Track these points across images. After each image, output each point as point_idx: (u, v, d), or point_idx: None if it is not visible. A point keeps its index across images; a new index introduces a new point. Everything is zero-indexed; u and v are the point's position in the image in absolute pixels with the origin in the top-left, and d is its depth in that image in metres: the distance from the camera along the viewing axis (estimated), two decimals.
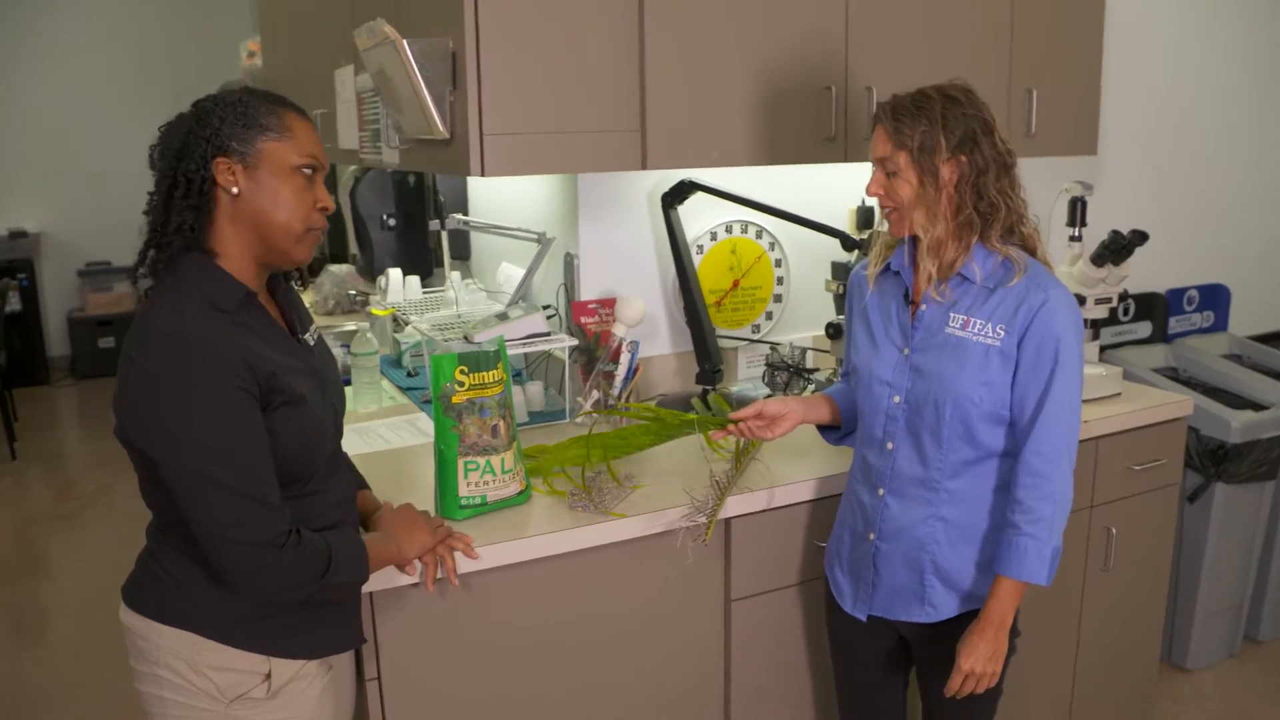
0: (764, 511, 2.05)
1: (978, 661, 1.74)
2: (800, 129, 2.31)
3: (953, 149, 1.67)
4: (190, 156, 1.41)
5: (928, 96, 1.70)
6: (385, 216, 3.57)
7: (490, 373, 1.86)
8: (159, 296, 1.43)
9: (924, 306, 1.78)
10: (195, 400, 1.35)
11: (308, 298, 3.72)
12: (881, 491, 1.85)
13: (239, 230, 1.45)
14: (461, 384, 1.83)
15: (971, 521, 1.80)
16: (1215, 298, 3.64)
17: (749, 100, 2.24)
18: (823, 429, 2.06)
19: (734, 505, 1.99)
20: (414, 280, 3.23)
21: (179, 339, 1.36)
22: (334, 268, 3.97)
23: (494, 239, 3.07)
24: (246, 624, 1.49)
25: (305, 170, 1.46)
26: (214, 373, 1.36)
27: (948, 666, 1.87)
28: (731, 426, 1.95)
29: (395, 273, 3.25)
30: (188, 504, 1.38)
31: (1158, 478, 2.58)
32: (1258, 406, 3.12)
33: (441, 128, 2.03)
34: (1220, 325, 3.66)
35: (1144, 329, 3.45)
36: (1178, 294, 3.55)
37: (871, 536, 1.86)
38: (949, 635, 1.82)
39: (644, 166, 2.16)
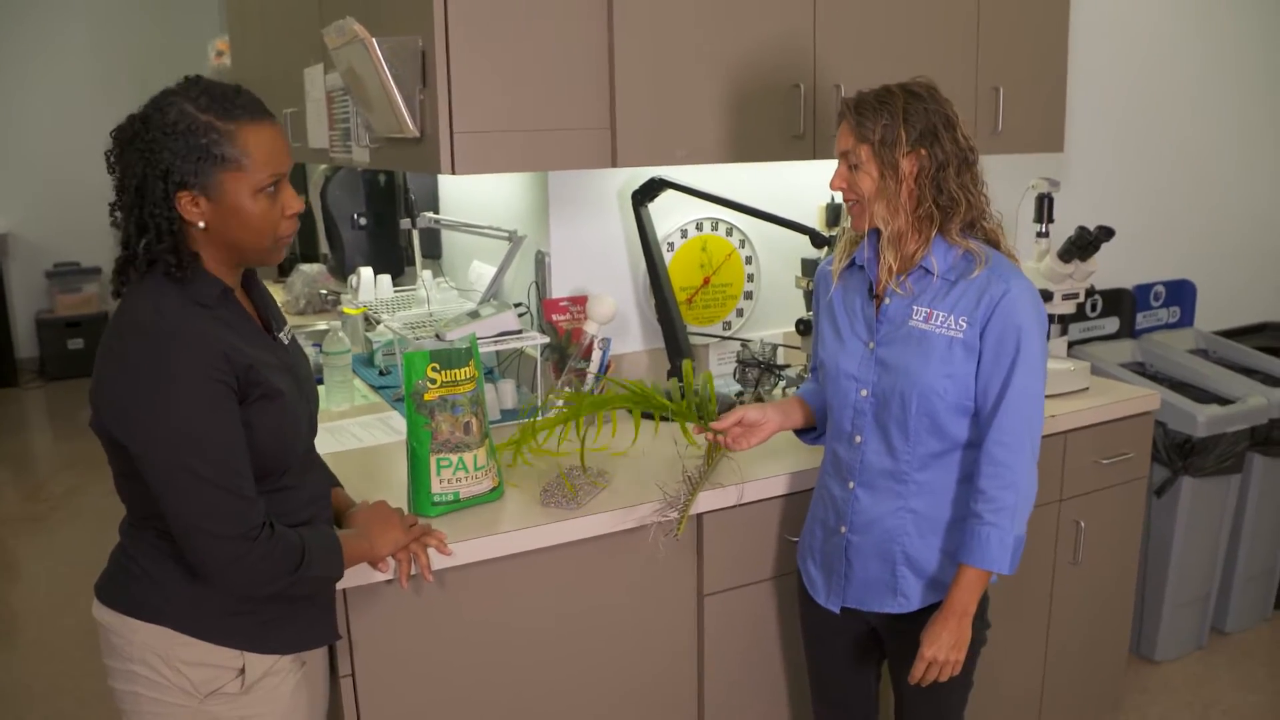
0: (736, 507, 2.06)
1: (940, 649, 1.75)
2: (769, 127, 2.32)
3: (913, 142, 1.69)
4: (151, 198, 1.39)
5: (890, 92, 1.72)
6: (356, 215, 3.55)
7: (462, 370, 1.86)
8: (139, 290, 1.43)
9: (888, 300, 1.80)
10: (173, 391, 1.35)
11: (279, 296, 3.70)
12: (852, 485, 1.86)
13: (213, 244, 1.45)
14: (434, 381, 1.83)
15: (940, 512, 1.82)
16: (1182, 293, 3.69)
17: (718, 98, 2.25)
18: (798, 432, 2.07)
19: (706, 500, 2.00)
20: (385, 279, 3.22)
21: (158, 331, 1.37)
22: (305, 267, 3.95)
23: (465, 237, 3.07)
24: (221, 619, 1.49)
25: (269, 190, 1.44)
26: (192, 364, 1.36)
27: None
28: (710, 435, 1.97)
29: (366, 272, 3.24)
30: (163, 494, 1.38)
31: (1125, 471, 2.61)
32: (1224, 401, 3.16)
33: (412, 126, 2.03)
34: (1187, 321, 3.70)
35: (1111, 324, 3.49)
36: (1145, 290, 3.60)
37: (843, 529, 1.88)
38: (920, 625, 1.84)
39: (614, 164, 2.17)
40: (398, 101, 1.99)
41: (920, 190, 1.72)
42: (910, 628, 1.86)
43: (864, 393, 1.83)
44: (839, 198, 2.78)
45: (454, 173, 2.01)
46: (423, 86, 2.01)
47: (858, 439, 1.84)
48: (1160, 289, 3.63)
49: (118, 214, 1.44)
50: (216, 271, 1.47)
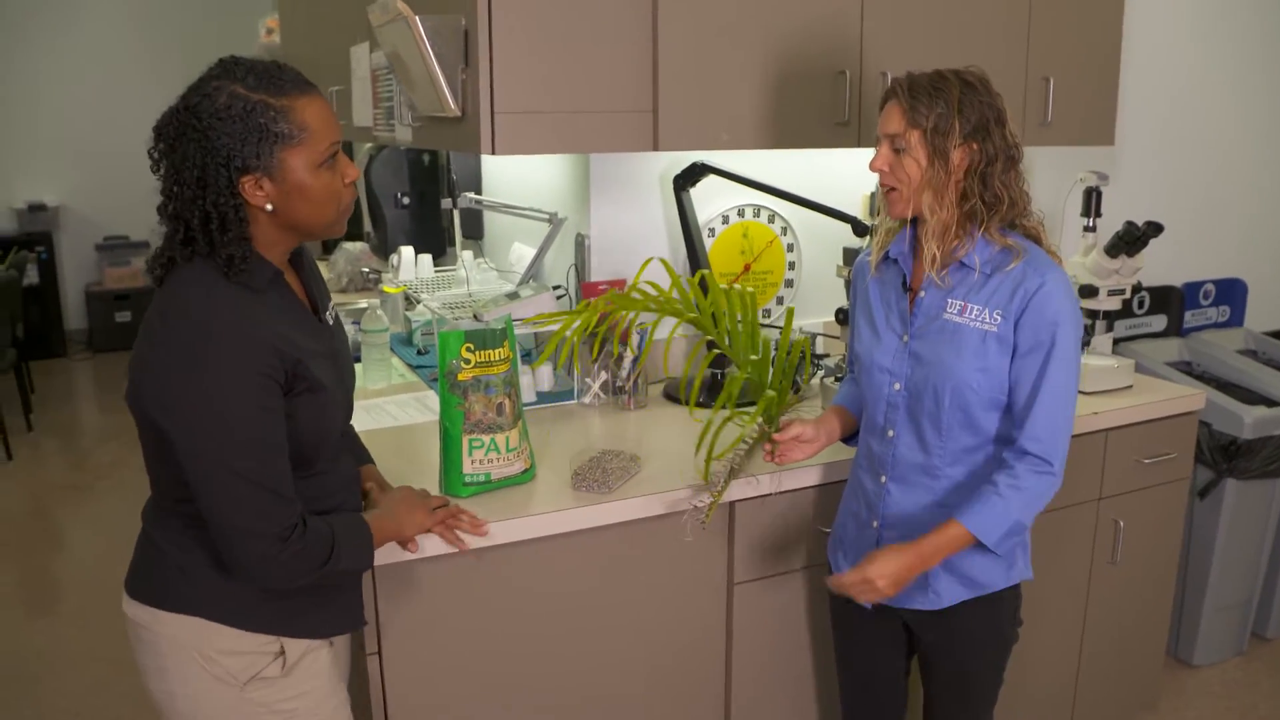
0: (768, 496, 2.04)
1: (879, 575, 1.68)
2: (813, 113, 2.29)
3: (965, 135, 1.66)
4: (215, 187, 1.35)
5: (945, 79, 1.68)
6: (399, 194, 3.57)
7: (497, 350, 1.86)
8: (184, 277, 1.39)
9: (923, 293, 1.77)
10: (220, 384, 1.33)
11: (324, 273, 3.73)
12: (884, 478, 1.84)
13: (274, 226, 1.43)
14: (468, 361, 1.84)
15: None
16: (1232, 292, 3.61)
17: (762, 83, 2.23)
18: (845, 439, 2.04)
19: (737, 489, 1.99)
20: (426, 259, 3.23)
21: (208, 318, 1.34)
22: (348, 245, 3.98)
23: (507, 218, 3.07)
24: (253, 605, 1.48)
25: (329, 161, 1.41)
26: (241, 357, 1.34)
27: (952, 654, 1.88)
28: (767, 444, 1.90)
29: (408, 251, 3.25)
30: (201, 488, 1.36)
31: (1168, 472, 2.57)
32: (1271, 402, 3.09)
33: (453, 105, 2.03)
34: (1236, 320, 3.62)
35: (1159, 322, 3.43)
36: (1194, 287, 3.52)
37: (875, 524, 1.86)
38: (953, 622, 1.82)
39: (655, 148, 2.15)
40: (439, 80, 1.99)
41: (967, 184, 1.69)
42: (943, 624, 1.84)
43: (897, 386, 1.81)
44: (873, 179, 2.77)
45: (494, 153, 2.00)
46: (465, 65, 2.00)
47: (890, 433, 1.82)
48: (1210, 287, 3.56)
49: (172, 206, 1.38)
50: (268, 254, 1.44)
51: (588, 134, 2.09)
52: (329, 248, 4.33)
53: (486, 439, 1.86)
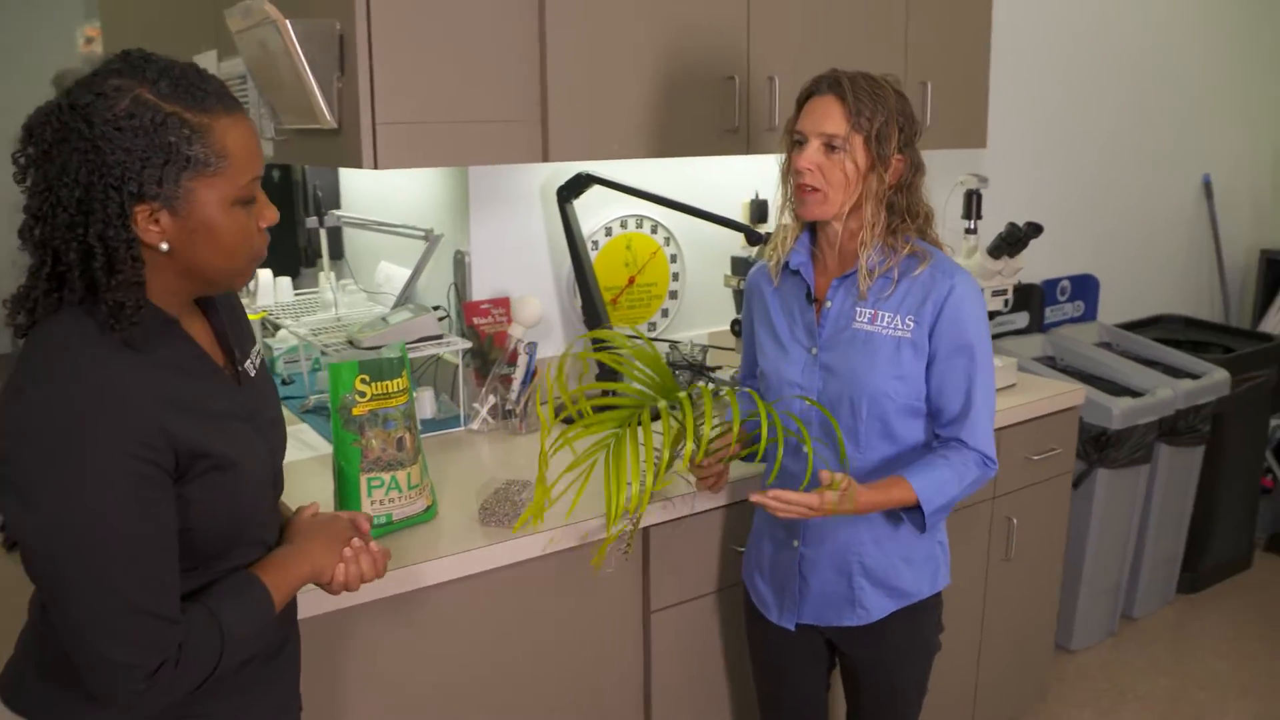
0: (681, 519, 1.96)
1: (826, 505, 1.59)
2: (703, 119, 2.23)
3: (900, 145, 1.63)
4: (102, 215, 1.07)
5: (881, 85, 1.64)
6: None
7: (394, 381, 1.72)
8: (50, 329, 1.12)
9: (829, 303, 1.73)
10: (86, 477, 1.04)
11: None
12: None
13: (169, 271, 1.15)
14: (363, 394, 1.69)
15: (896, 518, 1.76)
16: (1086, 287, 3.75)
17: (652, 90, 2.15)
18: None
19: (651, 513, 1.90)
20: (285, 281, 3.02)
21: (73, 392, 1.06)
22: None
23: (369, 237, 2.90)
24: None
25: (249, 197, 1.16)
26: (114, 438, 1.06)
27: (879, 667, 1.84)
28: (703, 475, 1.84)
29: (265, 274, 3.03)
30: (55, 602, 1.07)
31: (1053, 467, 2.62)
32: (1133, 393, 3.21)
33: (329, 116, 1.87)
34: (1090, 315, 3.77)
35: (1022, 319, 3.52)
36: (1051, 284, 3.64)
37: (796, 544, 1.80)
38: (881, 636, 1.79)
39: (545, 159, 2.05)
40: (314, 89, 1.83)
41: (893, 194, 1.66)
42: (870, 639, 1.80)
43: (809, 401, 1.76)
44: (763, 192, 2.74)
45: (376, 167, 1.86)
46: (340, 74, 1.85)
47: (805, 449, 1.77)
48: (1066, 284, 3.69)
49: (40, 230, 1.09)
50: (162, 299, 1.16)
51: (475, 145, 1.97)
52: None
53: (386, 477, 1.72)
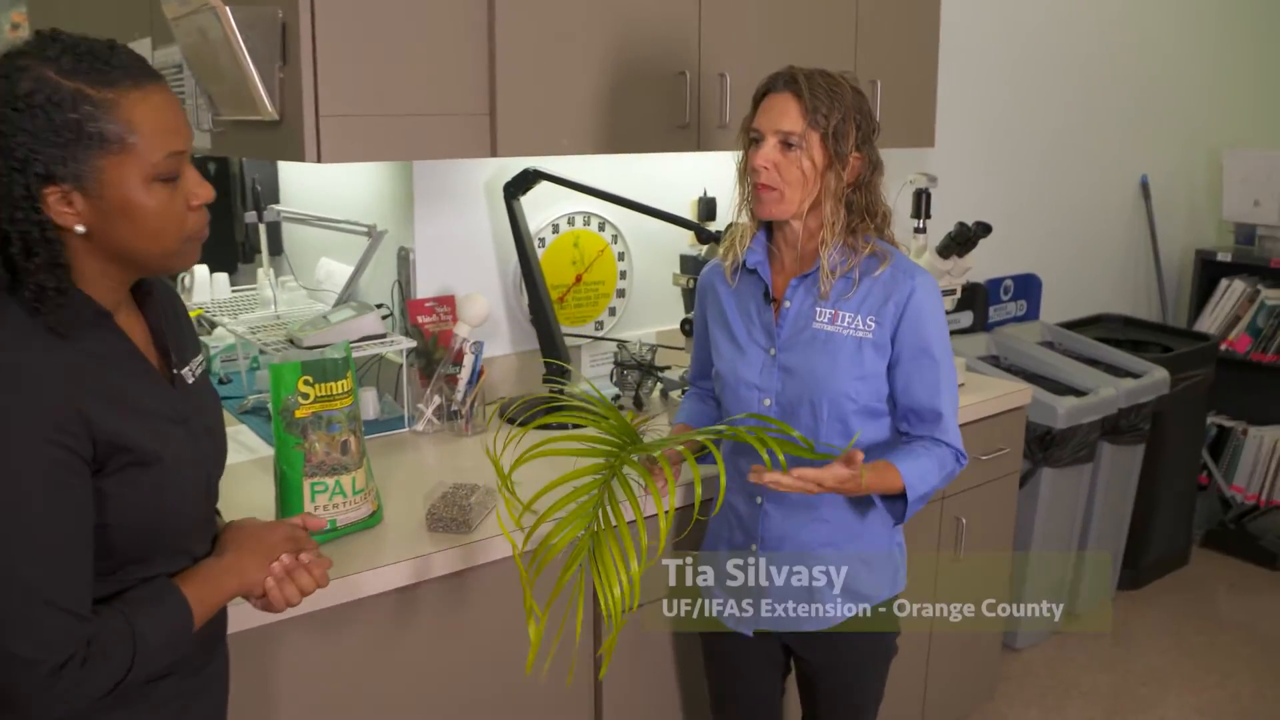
0: (631, 523, 1.92)
1: (824, 482, 1.55)
2: (654, 115, 2.20)
3: (858, 143, 1.61)
4: (9, 198, 1.04)
5: (838, 82, 1.61)
6: None
7: (339, 383, 1.66)
8: None
9: (788, 303, 1.71)
10: (1, 458, 1.02)
11: None
12: (760, 500, 1.77)
13: (97, 254, 1.12)
14: (306, 396, 1.63)
15: (854, 519, 1.75)
16: (1028, 287, 3.78)
17: (603, 85, 2.11)
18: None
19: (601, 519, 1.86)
20: (222, 278, 2.93)
21: None
22: None
23: (308, 232, 2.82)
24: None
25: (169, 174, 1.11)
26: (27, 419, 1.03)
27: (837, 671, 1.82)
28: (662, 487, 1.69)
29: (201, 269, 2.94)
30: None
31: (1002, 466, 2.63)
32: (1076, 392, 3.24)
33: (270, 107, 1.80)
34: (1033, 314, 3.80)
35: (967, 318, 3.54)
36: (995, 284, 3.66)
37: (754, 547, 1.78)
38: (840, 639, 1.77)
39: (494, 153, 2.00)
40: (254, 79, 1.77)
41: (851, 193, 1.64)
42: (828, 643, 1.78)
43: (767, 402, 1.73)
44: (711, 190, 2.71)
45: (319, 160, 1.80)
46: (283, 63, 1.79)
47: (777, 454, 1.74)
48: (1009, 283, 3.71)
49: None
50: (96, 288, 1.13)
51: (422, 139, 1.92)
52: None
53: (330, 481, 1.66)
